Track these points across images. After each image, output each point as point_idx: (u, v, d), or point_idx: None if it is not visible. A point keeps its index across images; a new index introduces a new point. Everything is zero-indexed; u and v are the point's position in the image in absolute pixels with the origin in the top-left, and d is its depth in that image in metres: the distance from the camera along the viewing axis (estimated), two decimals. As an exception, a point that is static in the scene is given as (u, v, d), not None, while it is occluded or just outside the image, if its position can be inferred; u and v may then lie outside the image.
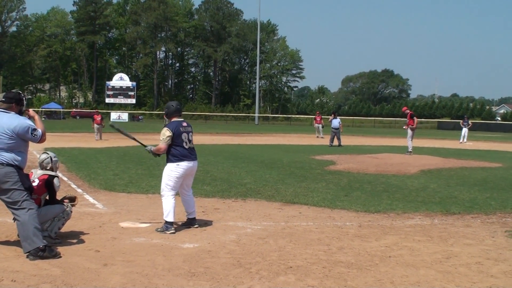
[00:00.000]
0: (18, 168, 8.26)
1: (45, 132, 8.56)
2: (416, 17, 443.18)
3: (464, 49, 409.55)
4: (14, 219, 9.02)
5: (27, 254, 8.01)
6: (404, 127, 32.79)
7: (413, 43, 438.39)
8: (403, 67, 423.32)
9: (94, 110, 48.85)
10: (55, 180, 9.23)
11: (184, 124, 10.46)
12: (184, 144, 10.30)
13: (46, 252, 8.01)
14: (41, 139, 8.46)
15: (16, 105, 8.52)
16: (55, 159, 9.56)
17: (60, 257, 8.10)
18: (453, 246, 9.49)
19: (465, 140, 48.78)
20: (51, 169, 9.42)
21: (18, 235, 8.46)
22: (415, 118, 31.26)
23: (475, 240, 10.03)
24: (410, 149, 29.81)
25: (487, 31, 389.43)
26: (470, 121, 52.08)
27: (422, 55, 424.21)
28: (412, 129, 30.72)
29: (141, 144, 10.93)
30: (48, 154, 9.49)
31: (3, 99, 8.53)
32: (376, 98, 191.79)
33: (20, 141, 8.32)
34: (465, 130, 49.54)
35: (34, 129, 8.39)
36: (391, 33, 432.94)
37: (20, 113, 8.57)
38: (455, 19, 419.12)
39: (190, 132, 10.48)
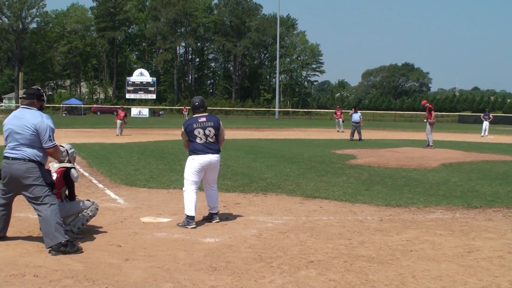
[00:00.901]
0: (40, 164, 8.34)
1: (57, 154, 8.75)
2: (436, 11, 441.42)
3: (485, 42, 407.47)
4: None
5: (49, 249, 8.08)
6: (424, 121, 32.51)
7: (433, 37, 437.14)
8: (423, 60, 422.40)
9: (119, 106, 48.95)
10: (73, 171, 9.27)
11: (202, 119, 10.49)
12: (198, 139, 10.34)
13: (68, 247, 8.07)
14: (50, 149, 8.48)
15: (38, 101, 8.67)
16: (71, 150, 9.59)
17: (82, 252, 8.16)
18: (474, 240, 9.46)
19: (486, 133, 48.58)
20: (69, 162, 9.47)
21: (40, 230, 8.54)
22: (433, 112, 30.94)
23: (496, 234, 9.99)
24: (430, 143, 29.57)
25: (507, 23, 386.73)
26: (491, 115, 51.84)
27: (442, 49, 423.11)
28: (430, 123, 30.48)
29: None
30: (63, 147, 9.49)
31: (24, 95, 8.68)
32: (397, 92, 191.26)
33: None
34: (486, 124, 49.39)
35: (52, 134, 8.52)
36: (411, 27, 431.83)
37: (41, 109, 8.71)
38: (475, 12, 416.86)
39: (208, 127, 10.46)
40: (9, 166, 8.31)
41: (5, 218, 8.81)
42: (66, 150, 9.47)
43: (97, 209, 9.62)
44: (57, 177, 9.04)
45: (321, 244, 8.91)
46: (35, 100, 8.64)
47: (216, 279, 7.01)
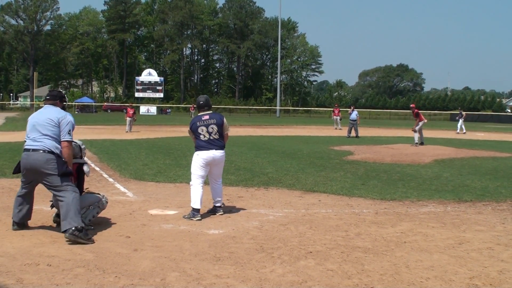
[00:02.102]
0: (58, 156, 8.38)
1: (70, 160, 8.67)
2: (430, 15, 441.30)
3: (476, 44, 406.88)
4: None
5: (64, 232, 8.14)
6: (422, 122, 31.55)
7: (427, 39, 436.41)
8: (417, 61, 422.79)
9: (128, 104, 48.85)
10: (85, 167, 9.29)
11: (205, 117, 10.50)
12: (202, 136, 10.37)
13: (82, 232, 8.13)
14: (65, 144, 8.55)
15: (60, 102, 9.00)
16: (83, 146, 9.66)
17: (93, 242, 8.17)
18: (465, 232, 9.45)
19: (464, 130, 48.38)
20: (80, 157, 9.49)
21: (53, 221, 8.60)
22: (419, 116, 30.48)
23: (486, 226, 9.98)
24: (416, 141, 29.24)
25: (497, 26, 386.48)
26: (463, 112, 51.72)
27: (435, 50, 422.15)
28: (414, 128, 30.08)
29: None
30: (77, 142, 9.53)
31: (48, 97, 8.99)
32: (392, 92, 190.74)
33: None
34: (460, 122, 49.40)
35: (72, 130, 8.71)
36: (406, 30, 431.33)
37: (63, 109, 9.00)
38: (466, 17, 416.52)
39: (211, 124, 10.46)
40: (28, 157, 8.43)
41: (28, 207, 8.89)
42: (79, 145, 9.51)
43: (107, 202, 9.64)
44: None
45: (320, 236, 8.91)
46: (58, 101, 8.95)
47: (220, 269, 7.01)
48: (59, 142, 8.48)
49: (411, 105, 33.10)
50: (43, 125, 8.49)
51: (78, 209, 8.30)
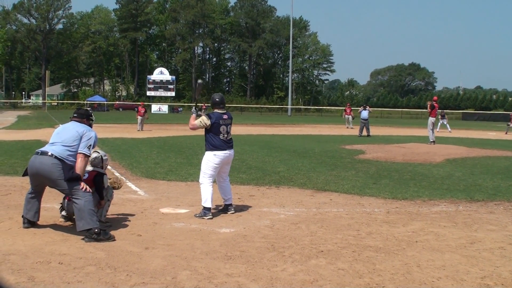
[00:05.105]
0: (64, 162, 8.36)
1: (81, 172, 8.57)
2: (442, 13, 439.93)
3: (488, 43, 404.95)
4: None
5: (83, 238, 8.19)
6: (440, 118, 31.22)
7: (439, 38, 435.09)
8: (429, 60, 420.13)
9: (140, 103, 48.93)
10: (104, 178, 9.29)
11: (225, 116, 10.53)
12: (221, 135, 10.37)
13: (101, 235, 8.16)
14: (81, 156, 8.56)
15: (87, 120, 9.17)
16: (105, 157, 9.65)
17: (115, 240, 8.23)
18: (477, 231, 9.41)
19: (437, 129, 47.61)
20: (101, 167, 9.49)
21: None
22: (433, 110, 30.44)
23: (498, 226, 9.94)
24: (431, 139, 29.18)
25: (509, 25, 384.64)
26: (444, 111, 51.23)
27: (447, 49, 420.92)
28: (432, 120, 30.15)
29: (195, 105, 11.21)
30: (99, 153, 9.54)
31: (75, 115, 9.16)
32: (403, 91, 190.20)
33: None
34: (443, 121, 49.06)
35: (92, 146, 8.79)
36: (418, 28, 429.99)
37: (90, 126, 9.14)
38: (478, 16, 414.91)
39: (229, 124, 10.57)
40: (35, 160, 8.48)
41: (37, 207, 8.94)
42: (101, 156, 9.52)
43: (113, 191, 9.72)
44: (88, 177, 9.03)
45: (331, 235, 8.90)
46: (85, 120, 9.13)
47: (231, 267, 7.02)
48: (74, 153, 8.48)
49: (434, 98, 32.77)
50: (66, 133, 8.64)
51: (92, 209, 8.31)
